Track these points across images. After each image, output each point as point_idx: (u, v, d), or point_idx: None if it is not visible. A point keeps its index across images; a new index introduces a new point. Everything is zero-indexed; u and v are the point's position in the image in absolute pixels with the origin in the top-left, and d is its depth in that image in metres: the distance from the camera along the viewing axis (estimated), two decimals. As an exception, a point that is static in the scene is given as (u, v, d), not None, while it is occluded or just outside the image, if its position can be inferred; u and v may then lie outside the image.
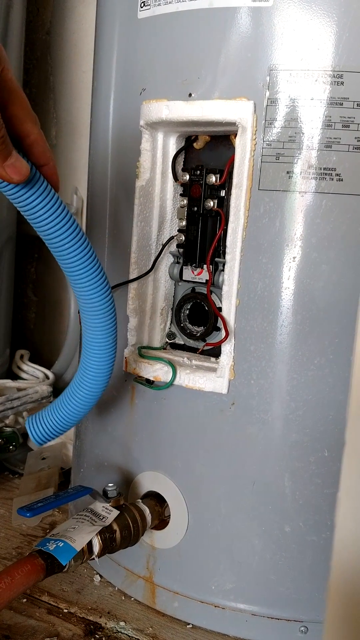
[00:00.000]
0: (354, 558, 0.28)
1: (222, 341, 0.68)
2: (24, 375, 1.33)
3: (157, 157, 0.72)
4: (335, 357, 0.65)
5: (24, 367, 1.34)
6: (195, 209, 0.72)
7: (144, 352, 0.75)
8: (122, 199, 0.75)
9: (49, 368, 1.36)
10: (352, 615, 0.29)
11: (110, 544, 0.67)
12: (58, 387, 1.33)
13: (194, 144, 0.73)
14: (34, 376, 1.32)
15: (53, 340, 1.48)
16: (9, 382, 1.19)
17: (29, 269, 1.50)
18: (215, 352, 0.72)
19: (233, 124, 0.64)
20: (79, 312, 0.85)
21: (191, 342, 0.76)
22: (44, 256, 1.47)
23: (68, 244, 0.54)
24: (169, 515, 0.73)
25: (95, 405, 0.66)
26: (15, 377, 1.32)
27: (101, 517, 0.68)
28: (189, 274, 0.74)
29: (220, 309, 0.69)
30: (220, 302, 0.69)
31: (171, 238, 0.75)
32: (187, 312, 0.76)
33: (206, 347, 0.73)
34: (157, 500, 0.74)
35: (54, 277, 1.46)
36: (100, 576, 0.81)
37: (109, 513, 0.69)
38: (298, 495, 0.67)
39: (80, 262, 0.55)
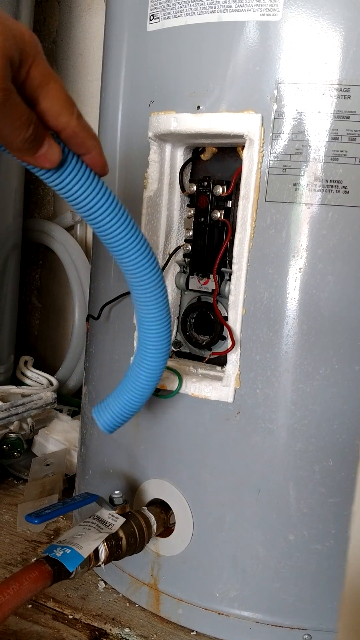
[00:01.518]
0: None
1: (228, 350, 0.69)
2: (28, 381, 1.34)
3: (165, 168, 0.73)
4: (341, 367, 0.66)
5: (28, 373, 1.35)
6: (202, 219, 0.72)
7: (150, 360, 0.75)
8: (129, 209, 0.75)
9: (52, 374, 1.36)
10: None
11: (116, 551, 0.68)
12: (62, 393, 1.34)
13: (201, 156, 0.73)
14: (38, 382, 1.33)
15: (57, 346, 1.49)
16: (13, 388, 1.20)
17: (33, 275, 1.51)
18: (221, 361, 0.73)
19: (241, 136, 0.65)
20: (87, 320, 0.86)
21: (197, 351, 0.76)
22: (48, 263, 1.48)
23: (109, 222, 0.53)
24: (174, 522, 0.74)
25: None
26: (19, 383, 1.33)
27: (107, 524, 0.69)
28: (195, 283, 0.75)
29: (226, 318, 0.70)
30: (226, 311, 0.70)
31: (178, 248, 0.76)
32: (193, 321, 0.76)
33: (212, 356, 0.74)
34: (162, 507, 0.74)
35: (59, 283, 1.47)
36: (105, 583, 0.82)
37: (115, 520, 0.69)
38: (302, 504, 0.68)
39: (121, 236, 0.54)
